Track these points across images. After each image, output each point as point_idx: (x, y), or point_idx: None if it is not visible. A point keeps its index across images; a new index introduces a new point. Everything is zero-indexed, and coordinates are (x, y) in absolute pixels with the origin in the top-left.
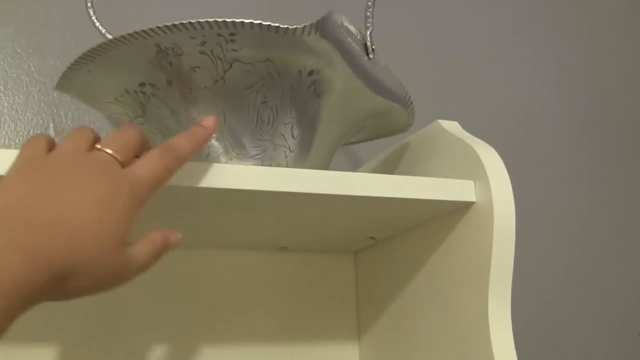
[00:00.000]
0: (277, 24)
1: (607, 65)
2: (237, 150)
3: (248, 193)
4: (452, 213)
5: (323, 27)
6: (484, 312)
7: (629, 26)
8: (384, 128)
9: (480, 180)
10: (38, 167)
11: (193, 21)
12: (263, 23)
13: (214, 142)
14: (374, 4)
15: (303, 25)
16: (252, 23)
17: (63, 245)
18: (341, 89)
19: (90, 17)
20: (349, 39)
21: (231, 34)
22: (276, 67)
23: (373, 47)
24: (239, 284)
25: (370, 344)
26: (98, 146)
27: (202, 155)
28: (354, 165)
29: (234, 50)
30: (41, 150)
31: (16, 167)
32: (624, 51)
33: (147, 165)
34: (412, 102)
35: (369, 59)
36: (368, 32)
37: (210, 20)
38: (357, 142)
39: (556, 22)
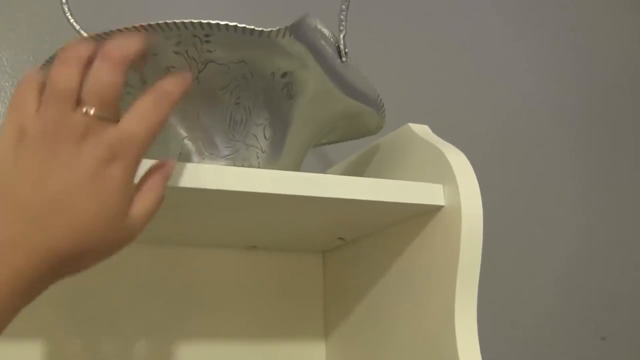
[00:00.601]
0: (252, 27)
1: (582, 65)
2: (210, 150)
3: (220, 193)
4: (421, 215)
5: (297, 30)
6: (451, 314)
7: (601, 28)
8: (355, 130)
9: (449, 184)
10: (27, 144)
11: (169, 22)
12: (238, 25)
13: (186, 142)
14: (347, 8)
15: (277, 27)
16: (227, 25)
17: (62, 235)
18: (314, 91)
19: (64, 13)
20: (323, 42)
21: (206, 35)
22: (250, 68)
23: (346, 50)
24: (208, 282)
25: (337, 344)
26: (84, 110)
27: (174, 154)
28: (324, 166)
29: (209, 51)
30: (29, 112)
31: (4, 141)
32: (600, 52)
33: (141, 120)
34: (383, 105)
35: (342, 61)
36: (341, 36)
37: (186, 21)
38: (329, 143)
39: (530, 23)
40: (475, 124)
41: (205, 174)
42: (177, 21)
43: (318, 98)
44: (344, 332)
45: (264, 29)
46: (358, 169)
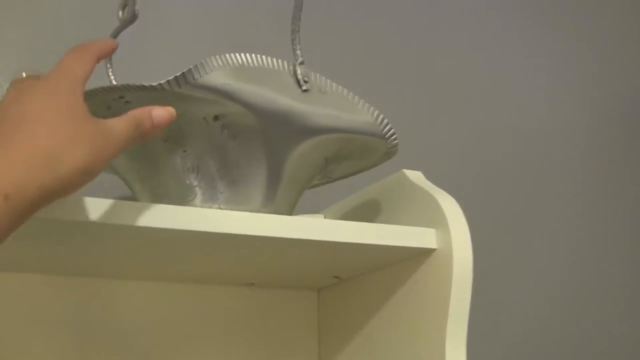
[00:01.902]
0: (150, 84)
1: (579, 106)
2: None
3: (219, 236)
4: (414, 257)
5: (186, 78)
6: (442, 355)
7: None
8: (364, 161)
9: (441, 229)
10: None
11: (92, 88)
12: (138, 84)
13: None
14: (297, 31)
15: (166, 79)
16: (128, 85)
17: (42, 176)
18: (255, 128)
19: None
20: (237, 83)
21: (121, 97)
22: (180, 119)
23: (305, 79)
24: (205, 318)
25: None
26: None
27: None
28: (317, 209)
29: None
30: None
31: None
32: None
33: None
34: (388, 128)
35: (303, 90)
36: (297, 63)
37: (98, 87)
38: (340, 178)
39: (524, 71)
40: (468, 168)
41: (203, 218)
42: (96, 87)
43: (268, 135)
44: None
45: (153, 84)
46: (353, 212)
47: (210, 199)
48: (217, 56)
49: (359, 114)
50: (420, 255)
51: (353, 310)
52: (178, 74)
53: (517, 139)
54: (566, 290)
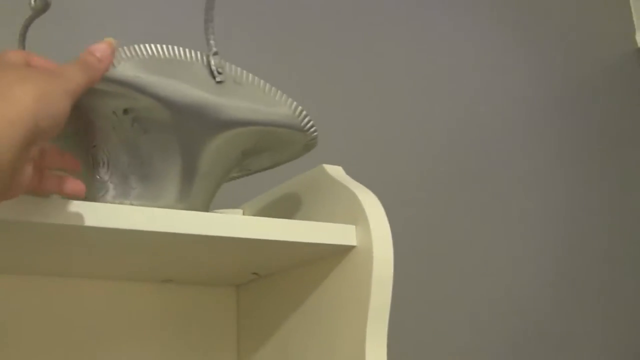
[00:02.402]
0: None
1: (510, 94)
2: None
3: (133, 233)
4: (334, 255)
5: None
6: (361, 350)
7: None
8: (284, 153)
9: (361, 225)
10: None
11: None
12: None
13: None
14: (211, 20)
15: None
16: None
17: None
18: (167, 121)
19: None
20: (142, 74)
21: None
22: (89, 112)
23: (219, 69)
24: (122, 315)
25: None
26: None
27: (97, 196)
28: (236, 203)
29: None
30: None
31: None
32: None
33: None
34: (306, 120)
35: (218, 82)
36: (211, 54)
37: None
38: (258, 170)
39: (452, 57)
40: (390, 164)
41: (118, 214)
42: None
43: (179, 128)
44: None
45: None
46: (272, 207)
47: (122, 195)
48: (125, 47)
49: (276, 106)
50: (340, 252)
51: (272, 308)
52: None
53: (441, 134)
54: (492, 285)
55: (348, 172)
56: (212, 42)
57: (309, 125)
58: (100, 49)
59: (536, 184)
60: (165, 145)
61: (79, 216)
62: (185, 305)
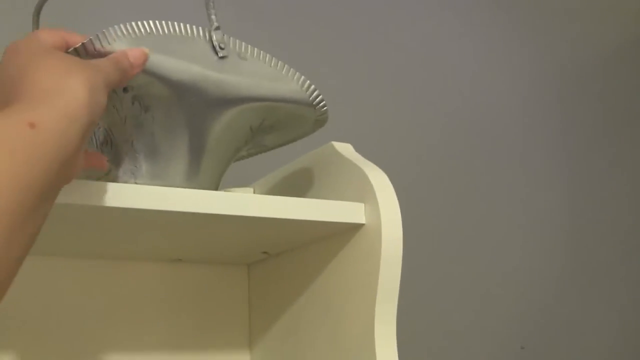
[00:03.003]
0: None
1: (510, 77)
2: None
3: (143, 212)
4: (343, 233)
5: (86, 49)
6: (370, 329)
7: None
8: (294, 130)
9: (370, 203)
10: None
11: None
12: None
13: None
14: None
15: (65, 50)
16: None
17: (58, 104)
18: (168, 99)
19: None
20: (150, 49)
21: None
22: None
23: (221, 45)
24: (133, 294)
25: (261, 356)
26: None
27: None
28: (246, 181)
29: None
30: None
31: None
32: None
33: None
34: (315, 95)
35: (220, 57)
36: (212, 29)
37: None
38: (270, 149)
39: (463, 29)
40: (400, 141)
41: (129, 194)
42: None
43: (192, 108)
44: (267, 343)
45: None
46: (282, 185)
47: (129, 174)
48: (121, 24)
49: (283, 81)
50: (349, 230)
51: (283, 286)
52: (77, 45)
53: (450, 113)
54: (502, 266)
55: (358, 149)
56: (213, 17)
57: (318, 99)
58: (134, 55)
59: (544, 164)
60: (169, 123)
61: (88, 195)
62: (196, 285)
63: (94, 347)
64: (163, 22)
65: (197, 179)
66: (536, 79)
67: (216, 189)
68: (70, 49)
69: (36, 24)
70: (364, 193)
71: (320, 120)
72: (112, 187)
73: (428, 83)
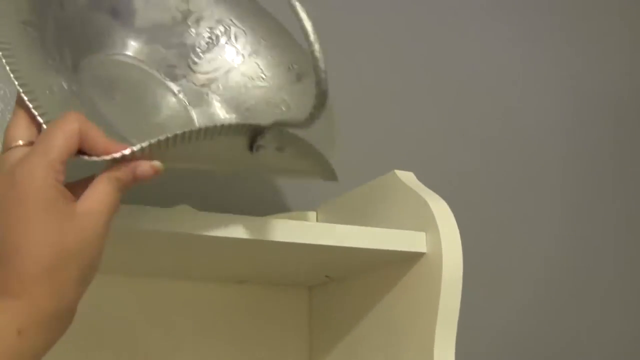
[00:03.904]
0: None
1: (571, 111)
2: None
3: (210, 239)
4: (404, 261)
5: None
6: (430, 356)
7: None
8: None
9: (432, 232)
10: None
11: None
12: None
13: None
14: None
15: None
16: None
17: (50, 305)
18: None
19: None
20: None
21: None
22: None
23: (260, 148)
24: (197, 315)
25: None
26: None
27: None
28: (309, 205)
29: None
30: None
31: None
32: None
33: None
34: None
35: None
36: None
37: None
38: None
39: (521, 68)
40: (462, 170)
41: (199, 221)
42: None
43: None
44: None
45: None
46: (344, 211)
47: None
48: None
49: (311, 165)
50: (410, 258)
51: (344, 310)
52: (107, 157)
53: (508, 141)
54: (558, 293)
55: (419, 177)
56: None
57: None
58: (144, 172)
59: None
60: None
61: (155, 222)
62: (259, 306)
63: None
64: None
65: None
66: (590, 104)
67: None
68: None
69: None
70: (426, 222)
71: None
72: (182, 214)
73: (492, 112)
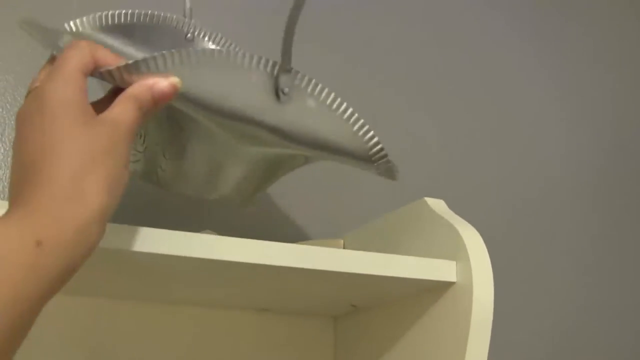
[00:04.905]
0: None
1: (602, 141)
2: None
3: (232, 265)
4: (433, 290)
5: (122, 76)
6: None
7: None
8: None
9: (462, 262)
10: None
11: None
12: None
13: None
14: (291, 34)
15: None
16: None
17: (74, 212)
18: (208, 129)
19: None
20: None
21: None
22: None
23: (285, 90)
24: (219, 343)
25: None
26: None
27: None
28: (337, 233)
29: None
30: None
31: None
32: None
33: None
34: (375, 147)
35: (280, 101)
36: (282, 71)
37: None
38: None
39: (556, 98)
40: (493, 198)
41: (219, 246)
42: None
43: (224, 137)
44: None
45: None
46: (373, 239)
47: (151, 172)
48: (167, 52)
49: (347, 134)
50: (439, 288)
51: (370, 341)
52: (111, 68)
53: (538, 169)
54: (587, 327)
55: (450, 205)
56: (287, 57)
57: (378, 155)
58: (161, 90)
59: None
60: (205, 146)
61: (171, 246)
62: (282, 335)
63: None
64: (215, 50)
65: (218, 190)
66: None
67: (247, 201)
68: (102, 70)
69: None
70: (456, 251)
71: (386, 176)
72: (193, 237)
73: (518, 141)
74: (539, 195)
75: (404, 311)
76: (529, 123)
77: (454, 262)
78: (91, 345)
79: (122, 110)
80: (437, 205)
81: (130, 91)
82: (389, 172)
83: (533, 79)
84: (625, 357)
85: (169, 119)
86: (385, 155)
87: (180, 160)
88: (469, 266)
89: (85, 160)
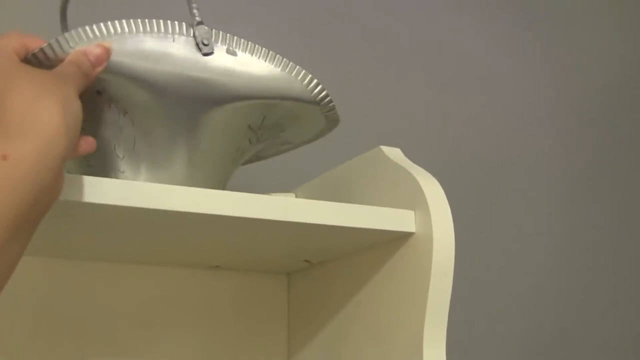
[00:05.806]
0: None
1: (560, 81)
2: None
3: (176, 214)
4: (391, 242)
5: (46, 54)
6: (419, 345)
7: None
8: (304, 132)
9: (421, 211)
10: None
11: None
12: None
13: None
14: None
15: (31, 52)
16: None
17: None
18: (148, 102)
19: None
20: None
21: None
22: None
23: (204, 41)
24: (169, 302)
25: None
26: None
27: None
28: (288, 187)
29: None
30: None
31: None
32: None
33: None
34: (317, 88)
35: (205, 54)
36: (195, 25)
37: None
38: (289, 149)
39: (510, 39)
40: (449, 145)
41: (161, 194)
42: None
43: (173, 111)
44: (307, 356)
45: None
46: (326, 191)
47: (132, 173)
48: (86, 26)
49: (280, 76)
50: (398, 239)
51: (325, 297)
52: (36, 50)
53: (497, 119)
54: (549, 276)
55: (407, 154)
56: (195, 11)
57: (321, 95)
58: (94, 53)
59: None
60: (151, 126)
61: (118, 196)
62: (234, 293)
63: (126, 354)
64: (132, 20)
65: (193, 183)
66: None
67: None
68: (29, 54)
69: (64, 23)
70: (414, 200)
71: (330, 119)
72: (141, 186)
73: (476, 89)
74: (497, 144)
75: (361, 265)
76: (486, 67)
77: (413, 212)
78: (36, 305)
79: (63, 66)
80: (394, 153)
81: (67, 58)
82: (332, 112)
83: (492, 24)
84: (599, 306)
85: (113, 120)
86: (328, 96)
87: (134, 155)
88: (429, 215)
89: (36, 90)
